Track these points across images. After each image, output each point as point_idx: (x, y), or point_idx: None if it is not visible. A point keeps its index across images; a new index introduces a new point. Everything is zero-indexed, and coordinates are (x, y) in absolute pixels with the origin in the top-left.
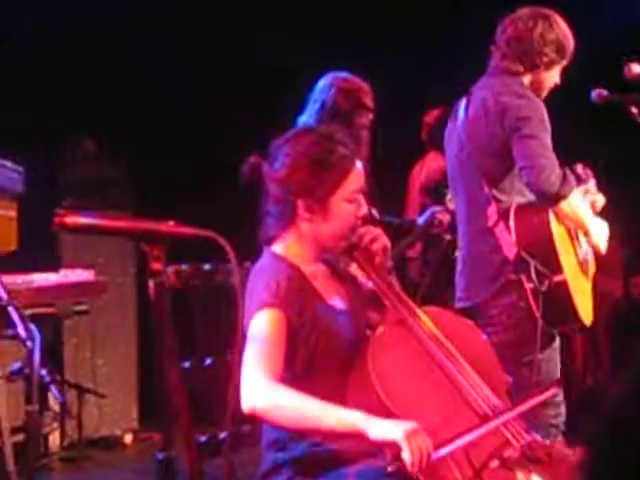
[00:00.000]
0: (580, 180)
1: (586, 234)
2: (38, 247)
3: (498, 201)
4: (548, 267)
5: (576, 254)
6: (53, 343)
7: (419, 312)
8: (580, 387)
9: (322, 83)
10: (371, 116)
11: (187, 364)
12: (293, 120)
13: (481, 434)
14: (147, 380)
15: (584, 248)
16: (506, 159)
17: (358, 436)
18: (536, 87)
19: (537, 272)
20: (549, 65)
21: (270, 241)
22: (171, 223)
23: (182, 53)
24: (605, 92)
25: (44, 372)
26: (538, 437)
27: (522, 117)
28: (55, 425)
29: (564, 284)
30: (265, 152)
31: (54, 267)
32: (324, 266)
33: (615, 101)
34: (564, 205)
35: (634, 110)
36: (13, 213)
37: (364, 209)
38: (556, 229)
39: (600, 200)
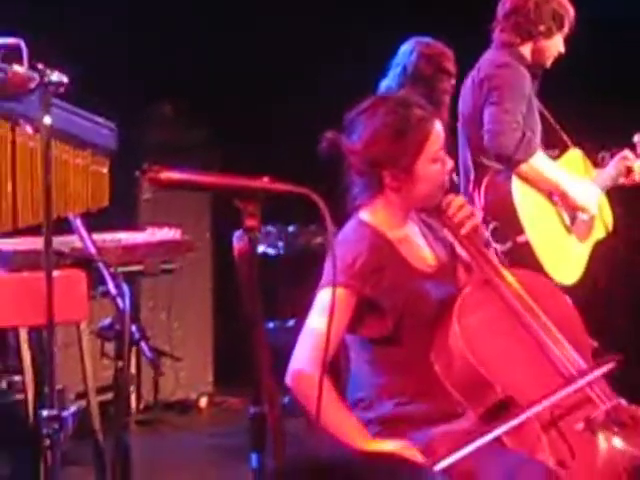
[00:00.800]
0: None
1: (563, 197)
2: (115, 208)
3: (485, 167)
4: (510, 229)
5: (560, 217)
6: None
7: (506, 273)
8: None
9: (404, 48)
10: (453, 81)
11: (270, 325)
12: (375, 84)
13: (564, 395)
14: (223, 344)
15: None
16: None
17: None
18: (538, 56)
19: (498, 233)
20: (547, 34)
21: (357, 209)
22: (265, 179)
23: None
24: None
25: (134, 329)
26: (623, 401)
27: (493, 86)
28: (132, 388)
29: (527, 244)
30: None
31: (132, 228)
32: (415, 226)
33: None
34: (525, 168)
35: None
36: (105, 170)
37: (450, 163)
38: (526, 193)
39: (637, 168)
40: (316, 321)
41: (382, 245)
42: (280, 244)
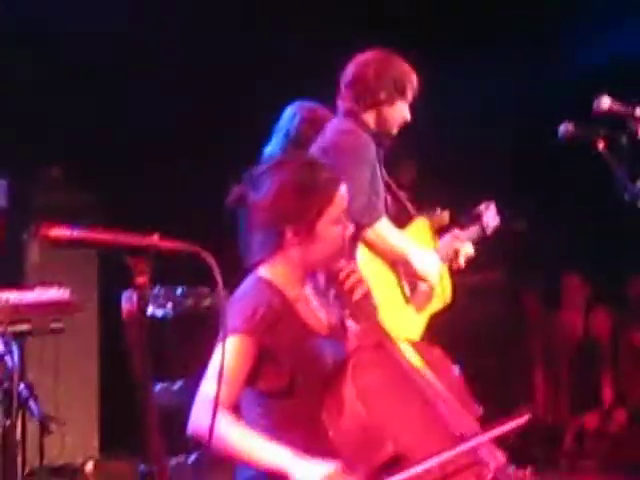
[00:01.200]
0: (475, 220)
1: (406, 265)
2: (2, 269)
3: None
4: None
5: (401, 286)
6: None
7: (396, 339)
8: (540, 422)
9: (287, 112)
10: None
11: (158, 386)
12: (259, 150)
13: (455, 455)
14: (109, 408)
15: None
16: None
17: (283, 476)
18: (381, 124)
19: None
20: (389, 102)
21: (256, 265)
22: (155, 236)
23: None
24: (572, 126)
25: (22, 387)
26: (511, 468)
27: (337, 153)
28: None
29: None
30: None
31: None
32: (311, 289)
33: (582, 136)
34: (370, 234)
35: (601, 145)
36: None
37: (350, 229)
38: (369, 259)
39: (466, 250)
40: (214, 370)
41: (280, 302)
42: (168, 305)
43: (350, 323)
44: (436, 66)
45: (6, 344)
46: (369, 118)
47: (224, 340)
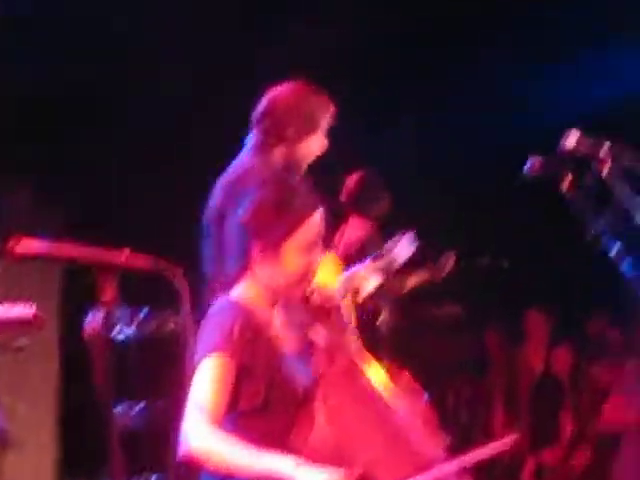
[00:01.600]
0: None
1: None
2: None
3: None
4: None
5: None
6: None
7: (365, 364)
8: (499, 458)
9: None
10: None
11: (119, 408)
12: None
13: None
14: (67, 434)
15: None
16: None
17: None
18: (290, 160)
19: None
20: (298, 138)
21: (226, 286)
22: (126, 251)
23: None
24: (539, 161)
25: None
26: None
27: (233, 193)
28: None
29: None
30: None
31: None
32: (280, 311)
33: (548, 172)
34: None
35: (567, 182)
36: None
37: (318, 262)
38: None
39: (370, 285)
40: (198, 390)
41: (252, 321)
42: (132, 326)
43: (317, 337)
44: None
45: None
46: (276, 153)
47: (200, 360)
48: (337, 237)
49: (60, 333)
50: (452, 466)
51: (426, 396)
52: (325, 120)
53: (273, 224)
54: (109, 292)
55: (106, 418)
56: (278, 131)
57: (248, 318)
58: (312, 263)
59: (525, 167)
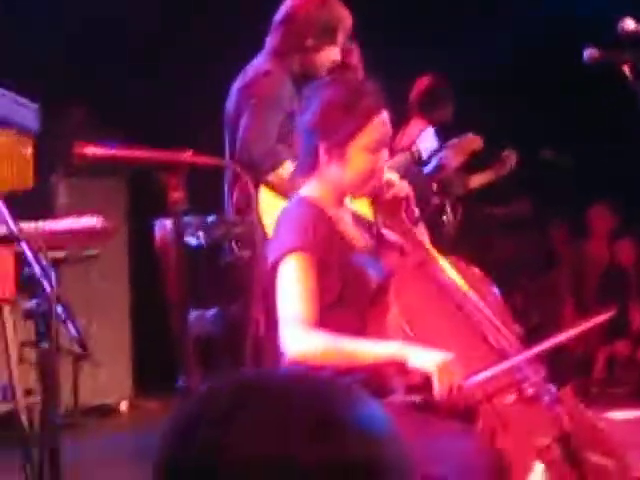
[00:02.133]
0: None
1: None
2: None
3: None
4: (255, 236)
5: None
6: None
7: (438, 257)
8: (570, 351)
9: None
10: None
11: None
12: None
13: (506, 368)
14: (141, 348)
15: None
16: None
17: (398, 365)
18: (307, 69)
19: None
20: (316, 48)
21: (297, 185)
22: (189, 152)
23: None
24: (597, 51)
25: (60, 309)
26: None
27: (251, 94)
28: None
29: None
30: None
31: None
32: (348, 211)
33: (608, 60)
34: (271, 177)
35: (626, 69)
36: (29, 151)
37: (384, 162)
38: (273, 204)
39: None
40: (289, 292)
41: (324, 218)
42: (200, 234)
43: (388, 233)
44: None
45: (43, 268)
46: (294, 61)
47: (278, 261)
48: (399, 137)
49: (129, 246)
50: (531, 352)
51: (496, 289)
52: (343, 32)
53: (339, 125)
54: (176, 190)
55: (180, 325)
56: (297, 39)
57: (321, 215)
58: (377, 162)
59: (584, 56)
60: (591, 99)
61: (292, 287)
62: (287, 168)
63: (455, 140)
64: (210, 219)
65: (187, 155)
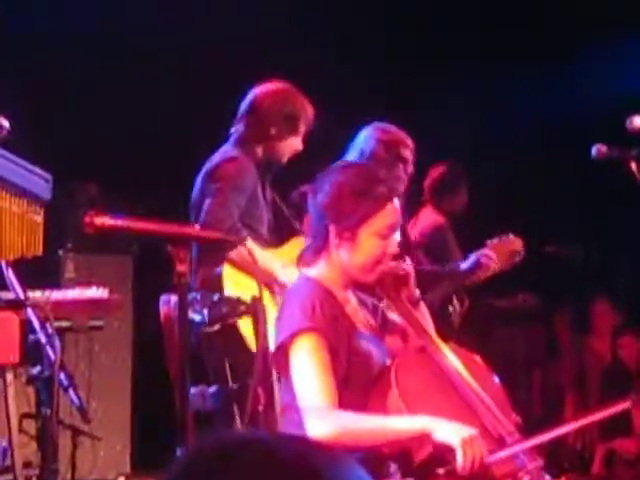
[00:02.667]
0: None
1: (277, 283)
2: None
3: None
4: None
5: (276, 303)
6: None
7: (439, 343)
8: (570, 447)
9: (363, 133)
10: (409, 169)
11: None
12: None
13: (504, 456)
14: (141, 425)
15: None
16: None
17: (424, 438)
18: (270, 156)
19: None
20: (279, 137)
21: (306, 265)
22: (197, 226)
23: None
24: (605, 148)
25: (62, 376)
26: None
27: (215, 179)
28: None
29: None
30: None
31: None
32: (353, 294)
33: (615, 157)
34: (233, 255)
35: (634, 166)
36: (39, 219)
37: (394, 247)
38: (237, 281)
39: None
40: (306, 374)
41: (330, 299)
42: (204, 311)
43: (391, 315)
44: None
45: (48, 336)
46: (258, 148)
47: (286, 343)
48: (410, 225)
49: (133, 321)
50: (525, 445)
51: (497, 378)
52: (305, 123)
53: (351, 209)
54: (182, 263)
55: (181, 401)
56: (261, 129)
57: (328, 296)
58: (387, 248)
59: (592, 153)
60: (597, 195)
61: (307, 369)
62: (248, 246)
63: (496, 240)
64: (215, 296)
65: (193, 229)
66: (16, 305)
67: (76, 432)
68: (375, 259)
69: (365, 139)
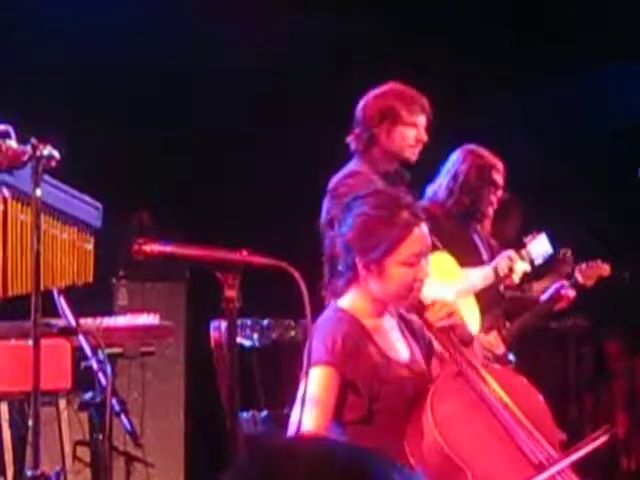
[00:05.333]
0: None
1: None
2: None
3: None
4: None
5: None
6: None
7: (478, 366)
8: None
9: (456, 155)
10: (500, 193)
11: (244, 415)
12: (422, 188)
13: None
14: (194, 450)
15: None
16: None
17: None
18: (390, 155)
19: None
20: (385, 133)
21: (336, 296)
22: (244, 252)
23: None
24: None
25: (114, 402)
26: None
27: (337, 195)
28: None
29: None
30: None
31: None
32: (392, 320)
33: None
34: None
35: None
36: (90, 246)
37: (425, 273)
38: None
39: (522, 267)
40: (308, 400)
41: (358, 330)
42: (255, 336)
43: (436, 344)
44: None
45: (100, 362)
46: (375, 155)
47: (307, 372)
48: None
49: (185, 348)
50: (564, 462)
51: (541, 397)
52: (410, 111)
53: (375, 243)
54: (231, 289)
55: (232, 426)
56: (365, 134)
57: (356, 328)
58: (417, 275)
59: (638, 173)
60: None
61: (309, 398)
62: None
63: (583, 265)
64: (265, 322)
65: (242, 254)
66: (68, 332)
67: (130, 458)
68: (406, 288)
69: (458, 161)
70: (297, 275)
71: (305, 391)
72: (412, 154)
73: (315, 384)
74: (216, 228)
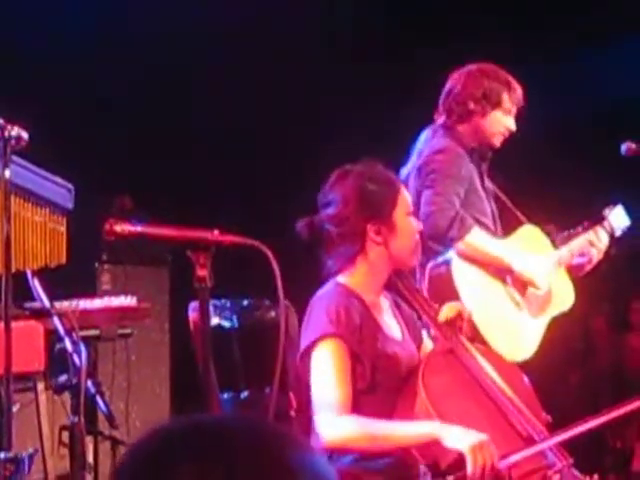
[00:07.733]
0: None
1: (509, 272)
2: (73, 284)
3: (429, 250)
4: None
5: (509, 293)
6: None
7: (468, 345)
8: (609, 446)
9: (424, 134)
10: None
11: (225, 396)
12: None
13: (533, 453)
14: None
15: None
16: None
17: (433, 444)
18: (478, 136)
19: None
20: (481, 113)
21: (333, 275)
22: (216, 231)
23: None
24: (634, 145)
25: (90, 384)
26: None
27: (428, 171)
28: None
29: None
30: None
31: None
32: (387, 301)
33: None
34: (462, 246)
35: None
36: (62, 228)
37: (420, 224)
38: (467, 272)
39: (595, 253)
40: (322, 379)
41: (359, 304)
42: (234, 317)
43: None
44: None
45: (74, 344)
46: (464, 131)
47: (309, 346)
48: None
49: (170, 331)
50: (560, 437)
51: (526, 378)
52: (510, 99)
53: (379, 201)
54: (203, 268)
55: (210, 407)
56: (460, 108)
57: (356, 302)
58: (416, 227)
59: (621, 150)
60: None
61: (326, 373)
62: (474, 234)
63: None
64: (245, 302)
65: (213, 233)
66: (41, 314)
67: (115, 442)
68: (415, 238)
69: (425, 140)
70: (269, 253)
71: (319, 368)
72: (498, 141)
73: (329, 357)
74: (196, 212)
